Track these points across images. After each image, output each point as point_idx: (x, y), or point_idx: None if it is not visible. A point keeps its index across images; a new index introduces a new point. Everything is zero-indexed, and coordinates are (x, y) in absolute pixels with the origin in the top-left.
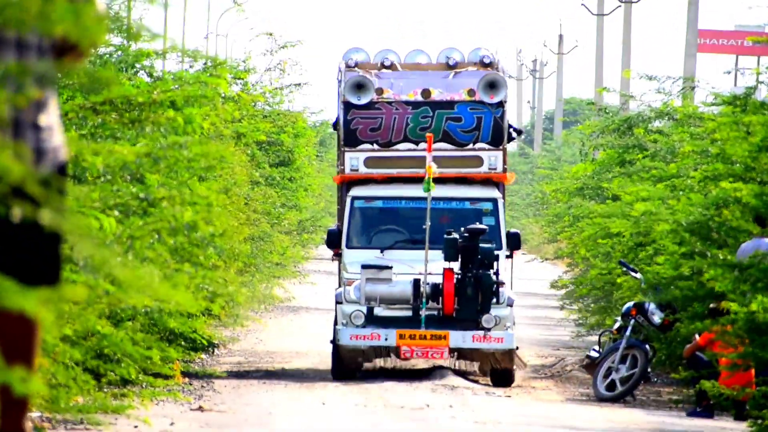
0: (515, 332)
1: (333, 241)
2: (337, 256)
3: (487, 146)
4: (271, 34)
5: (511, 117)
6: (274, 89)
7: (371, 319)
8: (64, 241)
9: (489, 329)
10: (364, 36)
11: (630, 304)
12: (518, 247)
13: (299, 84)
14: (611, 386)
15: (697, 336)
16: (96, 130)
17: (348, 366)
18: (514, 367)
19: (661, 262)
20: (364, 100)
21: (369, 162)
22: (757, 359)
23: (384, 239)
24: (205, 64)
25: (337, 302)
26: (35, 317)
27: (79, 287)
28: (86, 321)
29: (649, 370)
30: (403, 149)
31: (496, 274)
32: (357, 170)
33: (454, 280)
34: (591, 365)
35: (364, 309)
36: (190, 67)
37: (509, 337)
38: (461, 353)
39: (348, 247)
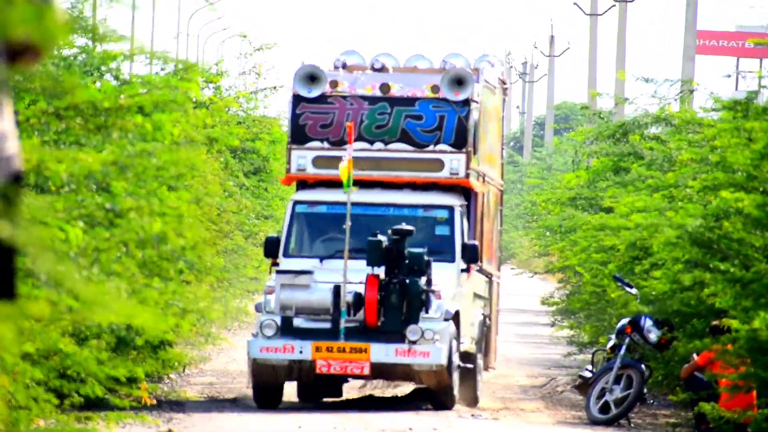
0: (447, 348)
1: (271, 249)
2: (275, 266)
3: (449, 148)
4: (245, 36)
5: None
6: (249, 93)
7: (286, 330)
8: (20, 254)
9: (414, 342)
10: (345, 37)
11: (625, 321)
12: (475, 261)
13: (275, 87)
14: (605, 408)
15: (695, 355)
16: (60, 137)
17: (265, 384)
18: (454, 388)
19: (659, 276)
20: (315, 93)
21: (318, 161)
22: (760, 380)
23: (325, 248)
24: (176, 67)
25: (257, 311)
26: None
27: (40, 303)
28: (48, 338)
29: (645, 391)
30: (357, 148)
31: (429, 282)
32: (304, 170)
33: (378, 288)
34: (584, 386)
35: (278, 319)
36: (162, 69)
37: (437, 351)
38: (383, 370)
39: (285, 256)
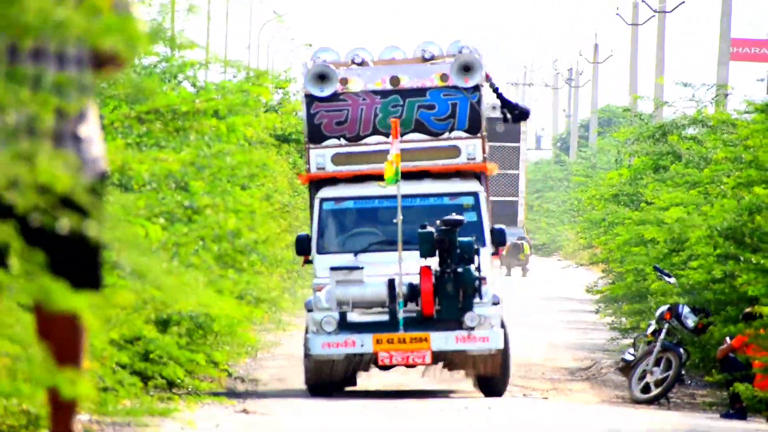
0: (502, 332)
1: (303, 247)
2: (308, 263)
3: (464, 134)
4: (310, 45)
5: (547, 125)
6: None
7: (344, 326)
8: (107, 249)
9: (473, 328)
10: (403, 41)
11: (664, 308)
12: (503, 244)
13: None
14: (646, 389)
15: (728, 339)
16: (141, 139)
17: (323, 379)
18: (509, 373)
19: (695, 267)
20: (327, 92)
21: (337, 159)
22: None
23: (358, 242)
24: (247, 74)
25: (308, 310)
26: (83, 321)
27: (125, 293)
28: (133, 326)
29: (683, 372)
30: (373, 143)
31: (478, 269)
32: (324, 168)
33: (433, 278)
34: (626, 368)
35: (336, 315)
36: (234, 76)
37: (496, 336)
38: (443, 358)
39: (319, 252)
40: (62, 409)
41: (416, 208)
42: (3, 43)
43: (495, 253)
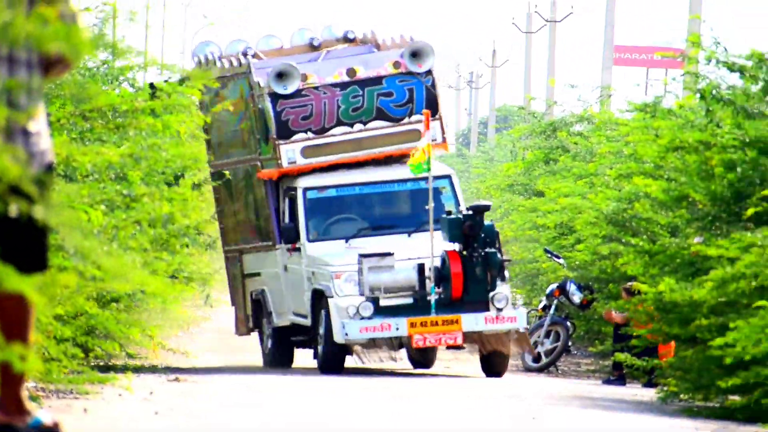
0: (525, 312)
1: (289, 236)
2: (295, 251)
3: (423, 118)
4: (212, 24)
5: (450, 122)
6: None
7: (378, 310)
8: (52, 232)
9: (501, 309)
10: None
11: (554, 285)
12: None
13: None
14: (537, 358)
15: (613, 312)
16: (85, 135)
17: (340, 357)
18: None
19: (582, 249)
20: (291, 89)
21: (306, 151)
22: (664, 334)
23: (345, 229)
24: (181, 76)
25: (327, 297)
26: (30, 300)
27: (69, 273)
28: (76, 303)
29: (569, 344)
30: (339, 134)
31: (499, 251)
32: (295, 162)
33: (461, 262)
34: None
35: (371, 301)
36: (169, 78)
37: (521, 315)
38: (474, 338)
39: (309, 240)
40: (11, 379)
41: (396, 193)
42: None
43: None
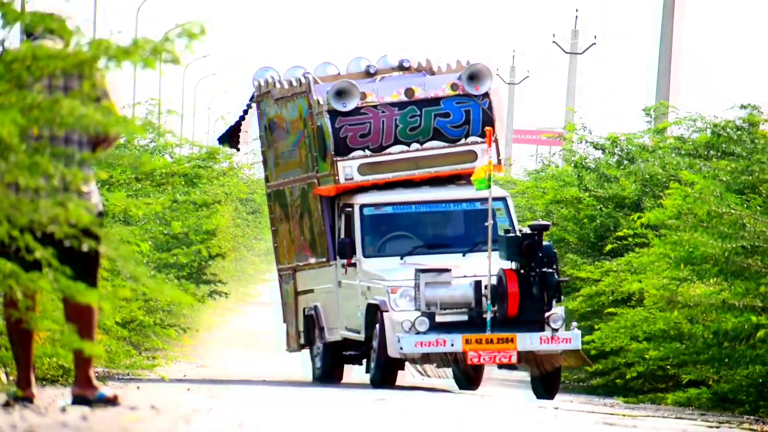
0: (580, 333)
1: (344, 251)
2: (351, 266)
3: (479, 139)
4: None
5: None
6: (252, 164)
7: (433, 326)
8: (111, 261)
9: (557, 330)
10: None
11: None
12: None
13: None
14: None
15: None
16: (138, 191)
17: (393, 372)
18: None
19: None
20: (350, 106)
21: (362, 168)
22: None
23: (401, 246)
24: (207, 151)
25: (382, 311)
26: (94, 309)
27: (126, 290)
28: (130, 311)
29: None
30: (396, 152)
31: (556, 271)
32: (352, 179)
33: (518, 280)
34: None
35: (427, 316)
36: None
37: (576, 337)
38: (528, 358)
39: (365, 256)
40: (83, 364)
41: (451, 213)
42: (47, 132)
43: None
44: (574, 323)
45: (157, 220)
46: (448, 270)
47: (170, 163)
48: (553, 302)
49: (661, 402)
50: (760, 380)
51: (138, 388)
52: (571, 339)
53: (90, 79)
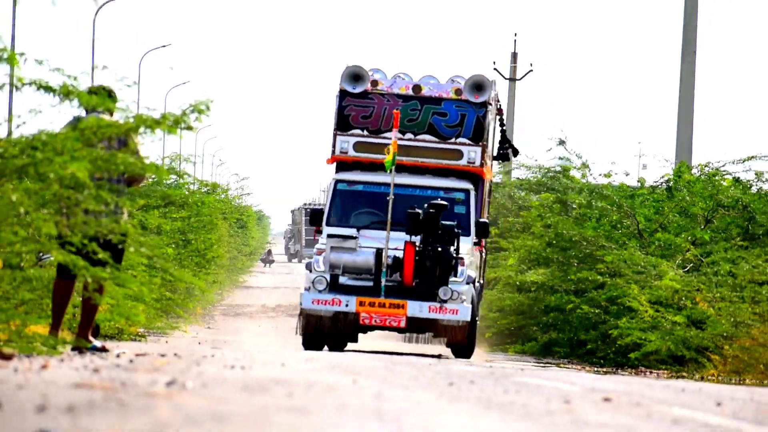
0: (470, 307)
1: (315, 219)
2: (318, 233)
3: (468, 141)
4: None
5: None
6: (240, 196)
7: (334, 287)
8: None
9: (445, 301)
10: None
11: None
12: (486, 236)
13: (249, 194)
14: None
15: None
16: (167, 213)
17: (312, 332)
18: (474, 342)
19: None
20: (359, 89)
21: (358, 146)
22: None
23: (361, 220)
24: (211, 185)
25: (308, 270)
26: (98, 299)
27: (156, 277)
28: (160, 291)
29: None
30: (390, 137)
31: (457, 250)
32: (346, 153)
33: (414, 253)
34: None
35: (327, 276)
36: (205, 186)
37: (464, 309)
38: (417, 324)
39: (328, 225)
40: (86, 318)
41: (417, 197)
42: (104, 176)
43: (478, 243)
44: (467, 298)
45: (178, 231)
46: (354, 237)
47: (186, 194)
48: (449, 277)
49: (509, 351)
50: (573, 335)
51: (166, 342)
52: (458, 310)
53: (132, 140)
